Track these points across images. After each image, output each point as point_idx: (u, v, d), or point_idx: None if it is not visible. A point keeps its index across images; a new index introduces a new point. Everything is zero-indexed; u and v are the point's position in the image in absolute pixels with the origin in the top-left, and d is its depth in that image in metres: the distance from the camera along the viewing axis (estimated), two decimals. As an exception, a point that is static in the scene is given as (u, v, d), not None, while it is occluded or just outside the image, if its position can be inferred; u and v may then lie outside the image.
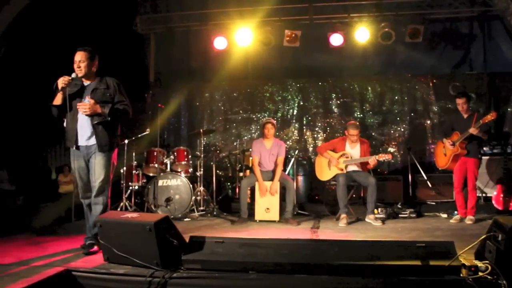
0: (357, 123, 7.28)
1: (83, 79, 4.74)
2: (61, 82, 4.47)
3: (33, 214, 7.04)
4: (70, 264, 4.00)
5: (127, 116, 4.86)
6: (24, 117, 7.59)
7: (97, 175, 4.66)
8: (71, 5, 7.74)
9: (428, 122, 9.87)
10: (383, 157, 6.76)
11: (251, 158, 7.59)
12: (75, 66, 4.62)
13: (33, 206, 7.37)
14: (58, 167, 9.41)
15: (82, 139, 4.67)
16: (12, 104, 7.40)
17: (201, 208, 7.87)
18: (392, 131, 9.98)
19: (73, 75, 4.57)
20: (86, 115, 4.63)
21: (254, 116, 10.41)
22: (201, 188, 8.00)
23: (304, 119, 10.31)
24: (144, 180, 8.03)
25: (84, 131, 4.67)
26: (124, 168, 7.68)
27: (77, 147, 4.69)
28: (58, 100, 4.58)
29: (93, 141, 4.67)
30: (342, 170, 6.95)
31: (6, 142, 7.39)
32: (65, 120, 4.77)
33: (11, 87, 7.39)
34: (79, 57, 4.62)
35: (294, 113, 10.34)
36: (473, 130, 6.26)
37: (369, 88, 10.14)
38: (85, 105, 4.56)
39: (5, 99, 7.50)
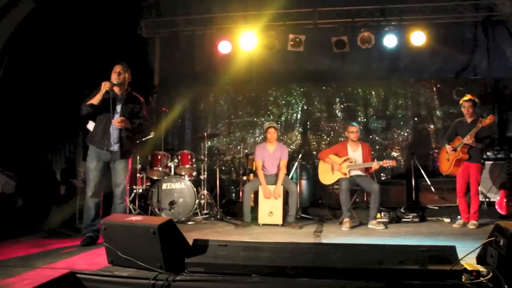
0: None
1: (116, 89, 5.44)
2: (105, 86, 5.21)
3: (37, 217, 7.05)
4: (75, 267, 4.02)
5: (147, 131, 5.81)
6: (28, 121, 7.62)
7: (121, 178, 5.47)
8: (75, 11, 7.77)
9: (432, 126, 9.85)
10: (387, 163, 6.78)
11: (254, 162, 7.62)
12: (115, 75, 5.38)
13: (38, 209, 7.36)
14: (62, 168, 9.39)
15: (113, 144, 5.41)
16: (17, 109, 7.42)
17: (205, 211, 7.90)
18: (395, 136, 9.96)
19: (115, 82, 5.34)
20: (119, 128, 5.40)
21: (258, 120, 10.42)
22: (205, 192, 8.02)
23: (308, 123, 10.31)
24: (148, 184, 8.04)
25: (114, 138, 5.42)
26: (129, 171, 7.72)
27: (108, 150, 5.38)
28: (96, 100, 5.26)
29: (117, 147, 5.42)
30: (345, 174, 6.97)
31: (10, 145, 7.41)
32: (95, 122, 5.50)
33: (17, 91, 7.42)
34: (119, 68, 5.43)
35: (298, 117, 10.35)
36: (467, 140, 6.32)
37: (373, 92, 10.13)
38: (120, 122, 5.31)
39: (10, 104, 7.53)
